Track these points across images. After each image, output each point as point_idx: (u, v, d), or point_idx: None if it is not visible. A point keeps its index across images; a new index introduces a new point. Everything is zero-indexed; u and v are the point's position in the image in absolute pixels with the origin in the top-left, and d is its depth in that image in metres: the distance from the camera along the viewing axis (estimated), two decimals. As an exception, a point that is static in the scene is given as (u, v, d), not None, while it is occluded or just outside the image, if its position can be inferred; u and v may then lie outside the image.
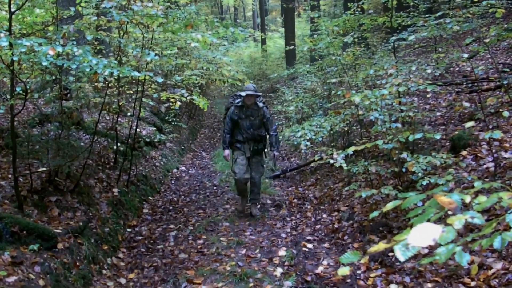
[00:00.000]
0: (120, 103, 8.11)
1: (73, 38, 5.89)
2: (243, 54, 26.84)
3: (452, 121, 7.61)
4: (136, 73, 4.79)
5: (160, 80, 5.15)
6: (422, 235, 1.50)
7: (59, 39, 5.42)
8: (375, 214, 2.10)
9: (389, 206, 1.86)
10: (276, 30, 34.13)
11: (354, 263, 5.19)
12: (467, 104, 6.95)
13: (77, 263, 5.21)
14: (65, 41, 5.45)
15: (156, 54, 6.67)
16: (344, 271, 1.57)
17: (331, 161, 6.09)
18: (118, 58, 7.21)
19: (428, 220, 1.73)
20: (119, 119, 8.89)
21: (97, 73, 4.81)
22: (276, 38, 29.34)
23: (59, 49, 4.30)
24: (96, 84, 7.82)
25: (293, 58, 20.37)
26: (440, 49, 10.66)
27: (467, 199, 1.75)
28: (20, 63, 5.41)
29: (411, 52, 12.77)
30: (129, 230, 6.93)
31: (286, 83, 17.11)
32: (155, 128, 11.11)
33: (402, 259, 1.45)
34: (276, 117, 14.40)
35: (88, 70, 4.62)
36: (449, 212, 1.76)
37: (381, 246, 1.54)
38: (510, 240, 1.88)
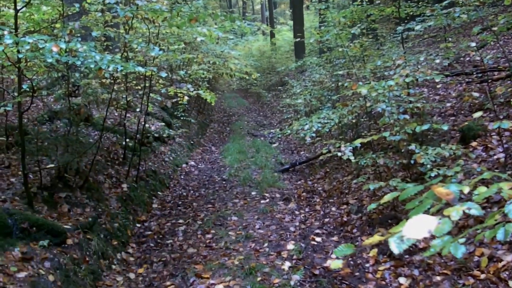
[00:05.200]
0: (128, 99, 8.13)
1: (78, 35, 5.90)
2: (252, 47, 26.79)
3: (462, 112, 7.54)
4: (140, 68, 4.80)
5: (164, 75, 5.15)
6: (417, 227, 1.48)
7: (64, 36, 5.43)
8: (372, 206, 2.08)
9: (387, 198, 1.84)
10: (285, 23, 34.03)
11: (362, 256, 5.18)
12: (476, 94, 6.88)
13: (87, 259, 5.24)
14: (71, 37, 5.46)
15: (161, 49, 6.69)
16: (336, 264, 1.56)
17: (339, 154, 6.07)
18: (124, 54, 7.21)
19: (426, 212, 1.72)
20: (127, 114, 8.92)
21: (102, 69, 4.81)
22: (285, 31, 29.23)
23: (63, 45, 4.32)
24: (103, 80, 7.84)
25: (302, 51, 20.25)
26: (449, 39, 10.56)
27: (466, 189, 1.73)
28: (27, 60, 5.42)
29: (420, 43, 12.64)
30: (138, 225, 6.96)
31: (295, 76, 17.03)
32: (164, 123, 11.12)
33: (396, 251, 1.43)
34: (285, 111, 14.38)
35: (92, 66, 4.65)
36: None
37: (376, 238, 1.52)
38: (514, 231, 1.86)
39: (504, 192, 1.75)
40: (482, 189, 1.86)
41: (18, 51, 4.43)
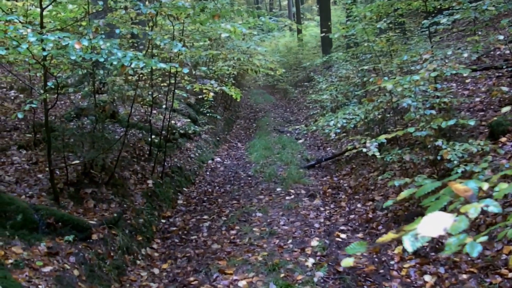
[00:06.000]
0: (153, 96, 8.18)
1: (102, 32, 5.95)
2: (278, 43, 26.68)
3: (491, 107, 7.36)
4: (162, 65, 4.82)
5: (186, 71, 5.16)
6: (432, 225, 1.44)
7: (89, 34, 5.49)
8: (389, 203, 2.04)
9: (403, 194, 1.79)
10: (312, 18, 33.78)
11: (387, 253, 5.10)
12: (505, 89, 6.72)
13: (111, 254, 5.30)
14: (95, 35, 5.52)
15: (184, 46, 6.70)
16: (348, 262, 1.53)
17: (364, 150, 5.99)
18: (149, 51, 7.26)
19: (444, 209, 1.66)
20: (153, 111, 8.98)
21: (125, 66, 4.85)
22: (312, 26, 29.02)
23: (85, 43, 4.36)
24: (128, 77, 7.90)
25: (329, 46, 20.07)
26: (479, 33, 10.33)
27: (485, 186, 1.67)
28: (52, 58, 5.50)
29: (448, 37, 12.39)
30: (163, 221, 7.01)
31: (322, 71, 16.91)
32: (189, 120, 11.17)
33: (410, 249, 1.39)
34: (311, 107, 14.29)
35: (115, 63, 4.68)
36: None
37: (390, 236, 1.48)
38: (538, 229, 1.80)
39: (525, 188, 1.69)
40: (503, 185, 1.80)
41: (43, 49, 4.51)
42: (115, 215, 6.02)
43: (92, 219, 5.62)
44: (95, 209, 5.97)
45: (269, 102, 21.20)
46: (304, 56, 23.09)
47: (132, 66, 4.82)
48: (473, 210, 1.56)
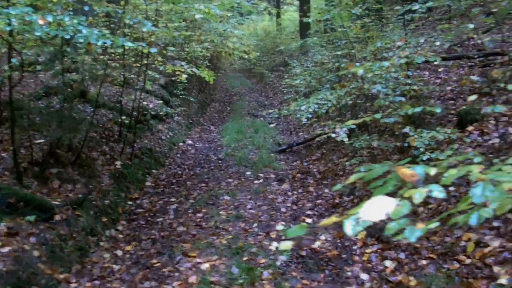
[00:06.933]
0: (125, 76, 8.05)
1: (71, 9, 5.82)
2: (256, 27, 26.51)
3: (462, 96, 7.43)
4: (129, 43, 4.73)
5: (154, 51, 5.08)
6: (375, 209, 1.42)
7: (57, 10, 5.35)
8: (338, 187, 2.02)
9: (352, 178, 1.78)
10: (291, 3, 33.61)
11: (351, 239, 5.13)
12: (475, 78, 6.76)
13: (74, 235, 5.23)
14: (64, 11, 5.38)
15: (156, 26, 6.59)
16: (286, 245, 1.51)
17: (333, 135, 6.00)
18: (120, 30, 7.12)
19: (391, 194, 1.65)
20: (128, 92, 8.84)
21: (91, 44, 4.74)
22: (291, 11, 28.84)
23: (50, 18, 4.24)
24: (101, 56, 7.74)
25: (307, 31, 20.01)
26: (454, 22, 10.37)
27: (432, 171, 1.66)
28: (16, 33, 5.35)
29: (425, 25, 12.44)
30: (130, 202, 6.93)
31: (298, 57, 16.85)
32: (162, 101, 11.04)
33: (350, 233, 1.38)
34: (285, 91, 14.25)
35: (82, 40, 4.58)
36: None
37: (332, 219, 1.46)
38: (488, 216, 1.80)
39: (473, 175, 1.69)
40: (452, 171, 1.79)
41: (9, 24, 4.37)
42: (80, 196, 5.93)
43: (56, 200, 5.52)
44: (59, 189, 5.87)
45: (245, 86, 21.10)
46: (282, 41, 22.97)
47: (99, 44, 4.71)
48: (418, 195, 1.55)
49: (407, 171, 1.60)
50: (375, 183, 1.65)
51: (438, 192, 1.51)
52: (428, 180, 1.76)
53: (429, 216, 4.93)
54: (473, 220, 1.72)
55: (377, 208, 1.41)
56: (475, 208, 1.74)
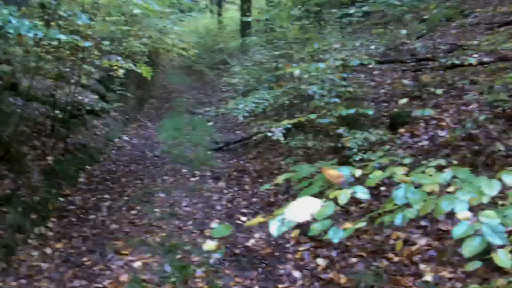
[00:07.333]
0: (59, 69, 7.79)
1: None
2: (198, 25, 26.31)
3: (394, 99, 7.66)
4: (62, 36, 4.60)
5: (87, 44, 4.95)
6: (300, 210, 1.44)
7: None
8: (266, 186, 2.04)
9: (280, 178, 1.79)
10: (233, 2, 33.62)
11: (284, 237, 5.19)
12: (406, 82, 7.00)
13: (0, 232, 5.01)
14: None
15: (90, 19, 6.42)
16: (210, 246, 1.50)
17: (269, 134, 6.04)
18: (54, 22, 6.87)
19: (319, 194, 1.68)
20: (63, 86, 8.54)
21: (21, 35, 4.56)
22: (233, 10, 28.85)
23: (-27, 6, 4.05)
24: (33, 48, 7.44)
25: (247, 31, 20.08)
26: (390, 27, 10.68)
27: (357, 173, 1.70)
28: None
29: (361, 29, 12.75)
30: (61, 199, 6.70)
31: (238, 55, 16.86)
32: (98, 96, 10.75)
33: (274, 234, 1.39)
34: (224, 89, 14.23)
35: (11, 31, 4.42)
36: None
37: (258, 219, 1.47)
38: (412, 217, 1.86)
39: (396, 176, 1.74)
40: (377, 173, 1.84)
41: None
42: (8, 191, 5.70)
43: (-20, 196, 5.28)
44: (-15, 185, 5.61)
45: (184, 83, 20.89)
46: (223, 39, 22.90)
47: (30, 35, 4.56)
48: (343, 196, 1.58)
49: (333, 173, 1.63)
50: (301, 184, 1.67)
51: (362, 193, 1.55)
52: (354, 182, 1.81)
53: (360, 215, 5.06)
54: (398, 220, 1.78)
55: (303, 209, 1.42)
56: (400, 208, 1.79)
